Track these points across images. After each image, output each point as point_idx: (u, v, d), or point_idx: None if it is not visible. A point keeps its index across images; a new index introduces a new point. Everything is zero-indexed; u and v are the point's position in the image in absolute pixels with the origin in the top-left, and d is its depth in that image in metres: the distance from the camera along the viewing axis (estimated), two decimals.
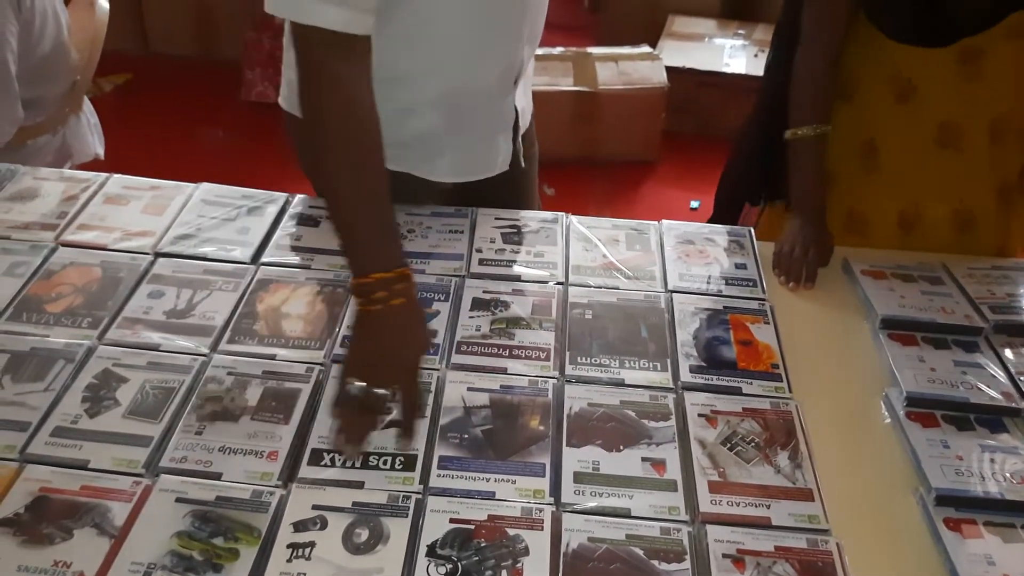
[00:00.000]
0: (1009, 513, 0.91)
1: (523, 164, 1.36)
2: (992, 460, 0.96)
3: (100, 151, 2.07)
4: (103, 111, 2.15)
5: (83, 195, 1.33)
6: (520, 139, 1.33)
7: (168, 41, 3.67)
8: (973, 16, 1.23)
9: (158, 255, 1.21)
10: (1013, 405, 1.03)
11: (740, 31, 3.34)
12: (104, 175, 1.38)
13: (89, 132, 2.03)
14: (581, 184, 2.91)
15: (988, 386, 1.05)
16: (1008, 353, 1.11)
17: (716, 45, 3.27)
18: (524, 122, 1.34)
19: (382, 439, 0.95)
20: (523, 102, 1.32)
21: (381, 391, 0.93)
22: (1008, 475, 0.94)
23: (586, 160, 3.00)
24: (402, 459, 0.93)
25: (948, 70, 1.26)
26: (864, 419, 1.04)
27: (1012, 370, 1.08)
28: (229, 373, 1.03)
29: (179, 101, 3.41)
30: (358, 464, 0.92)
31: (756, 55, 3.14)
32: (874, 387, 1.08)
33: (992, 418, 1.02)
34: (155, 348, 1.06)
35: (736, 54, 3.20)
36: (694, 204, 2.78)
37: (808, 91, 1.32)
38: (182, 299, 1.14)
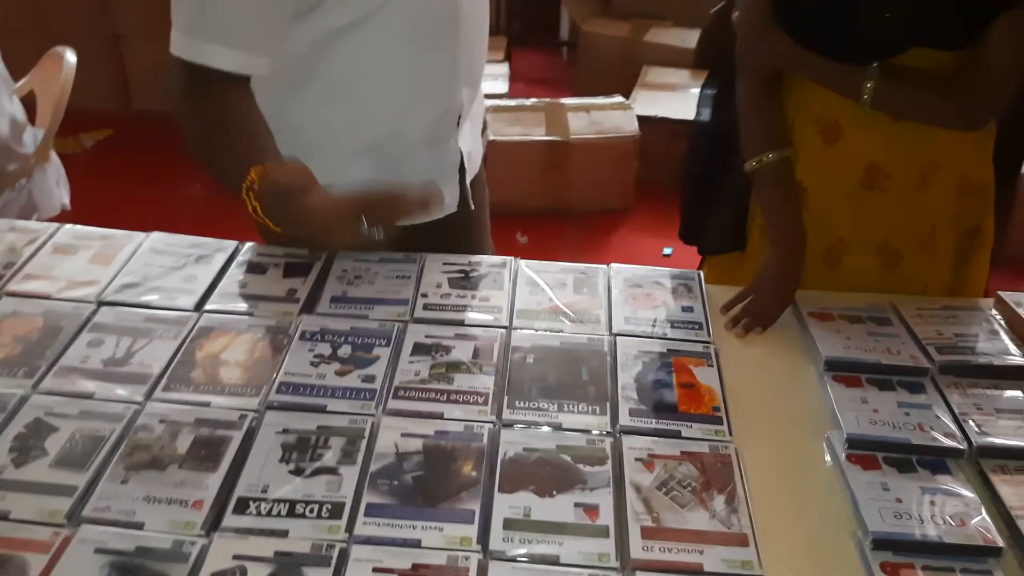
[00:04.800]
0: (947, 557, 0.89)
1: (472, 207, 1.36)
2: (932, 503, 0.95)
3: (66, 202, 2.08)
4: (81, 167, 2.17)
5: (31, 245, 1.32)
6: (468, 183, 1.34)
7: (150, 98, 3.71)
8: (874, 42, 1.23)
9: (101, 304, 1.21)
10: (956, 446, 1.01)
11: None
12: (55, 225, 1.38)
13: (55, 186, 2.04)
14: (553, 233, 2.93)
15: (932, 427, 1.04)
16: (953, 394, 1.10)
17: (690, 95, 3.31)
18: (472, 165, 1.35)
19: (310, 487, 0.93)
20: (469, 145, 1.32)
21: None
22: (948, 518, 0.93)
23: (559, 209, 3.02)
24: (329, 507, 0.91)
25: (876, 111, 1.26)
26: (805, 462, 1.03)
27: (956, 411, 1.07)
28: (161, 421, 1.01)
29: (158, 156, 3.42)
30: (284, 512, 0.91)
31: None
32: (817, 429, 1.07)
33: (934, 460, 1.01)
34: (89, 397, 1.05)
35: None
36: (667, 251, 2.78)
37: (760, 118, 1.33)
38: (121, 347, 1.13)
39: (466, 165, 1.31)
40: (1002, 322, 1.24)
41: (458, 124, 1.25)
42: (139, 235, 1.36)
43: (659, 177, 3.14)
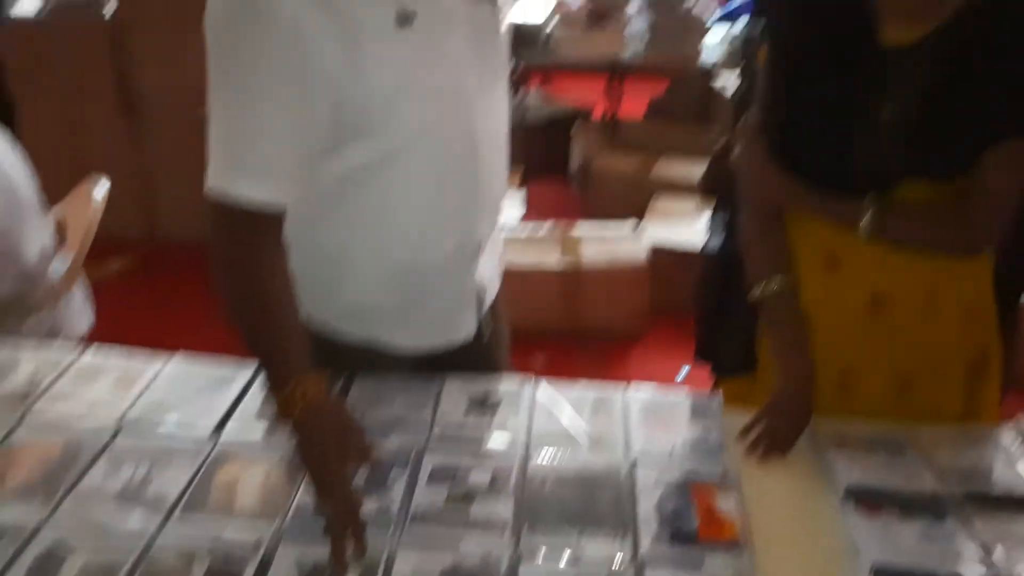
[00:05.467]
0: None
1: (485, 338, 1.38)
2: None
3: (88, 326, 2.12)
4: (107, 291, 2.22)
5: (56, 368, 1.35)
6: (486, 311, 1.36)
7: (177, 226, 3.82)
8: (872, 175, 1.27)
9: (120, 429, 1.21)
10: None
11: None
12: (79, 347, 1.41)
13: (80, 309, 2.08)
14: (568, 359, 2.94)
15: (957, 558, 1.02)
16: (976, 523, 1.08)
17: (698, 223, 3.38)
18: (490, 295, 1.38)
19: None
20: (488, 275, 1.36)
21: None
22: None
23: (573, 336, 3.04)
24: None
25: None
26: None
27: (981, 540, 1.05)
28: (175, 549, 1.00)
29: (183, 283, 3.50)
30: None
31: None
32: (839, 558, 1.04)
33: None
34: (104, 525, 1.04)
35: None
36: (680, 377, 2.78)
37: (763, 247, 1.36)
38: (138, 474, 1.13)
39: (484, 296, 1.34)
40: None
41: (476, 255, 1.28)
42: (161, 358, 1.38)
43: (671, 303, 3.17)
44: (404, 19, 1.07)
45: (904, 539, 1.04)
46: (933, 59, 1.24)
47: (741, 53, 1.44)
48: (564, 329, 3.02)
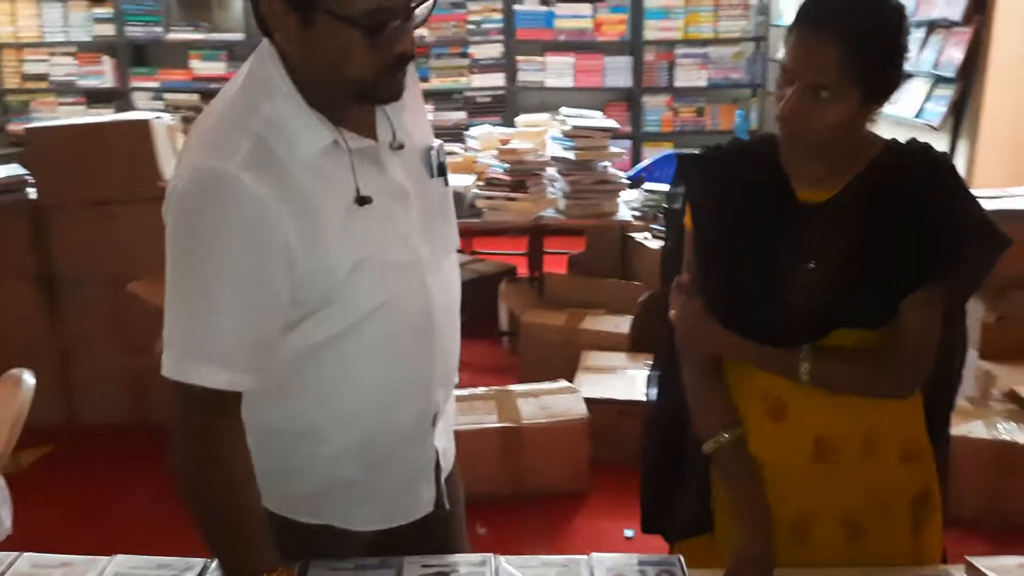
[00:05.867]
0: None
1: (447, 506, 1.36)
2: None
3: (8, 526, 1.99)
4: (22, 486, 2.10)
5: None
6: (443, 481, 1.35)
7: (96, 411, 3.68)
8: (804, 326, 1.35)
9: None
10: None
11: (649, 361, 3.54)
12: (13, 554, 1.32)
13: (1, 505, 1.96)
14: (513, 520, 2.88)
15: None
16: None
17: (629, 376, 3.45)
18: (446, 463, 1.37)
19: None
20: (443, 443, 1.35)
21: None
22: None
23: (516, 496, 3.00)
24: None
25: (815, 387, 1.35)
26: None
27: None
28: None
29: (104, 470, 3.35)
30: None
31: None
32: None
33: None
34: None
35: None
36: (628, 533, 2.75)
37: (709, 401, 1.40)
38: None
39: (441, 463, 1.33)
40: None
41: (433, 424, 1.29)
42: (101, 560, 1.31)
43: (611, 457, 3.18)
44: (360, 196, 1.12)
45: None
46: (846, 215, 1.34)
47: (665, 216, 1.53)
48: (506, 490, 2.98)
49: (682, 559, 1.32)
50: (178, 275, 1.08)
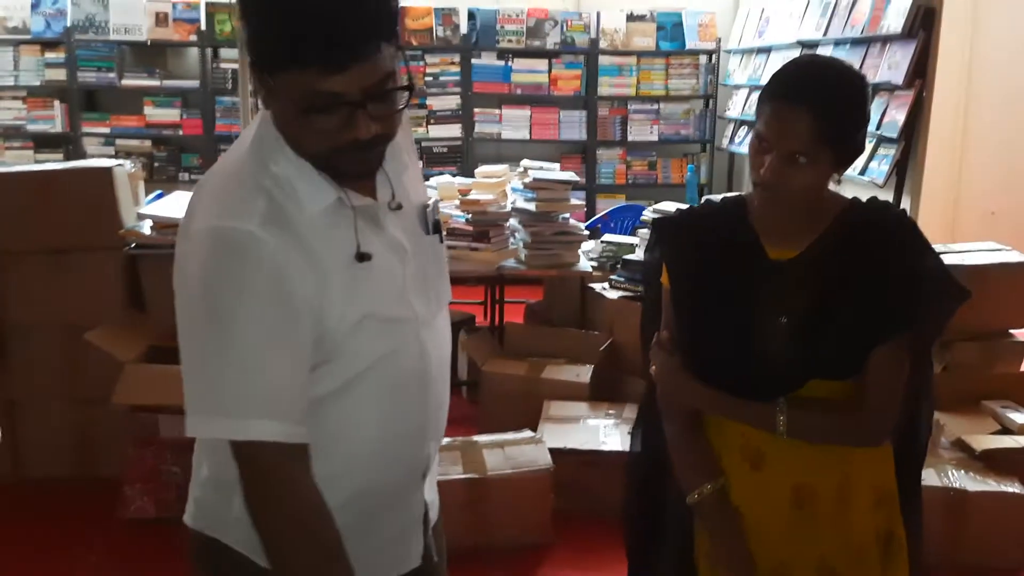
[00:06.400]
0: None
1: (435, 558, 1.37)
2: None
3: None
4: None
5: None
6: (431, 532, 1.35)
7: (43, 465, 3.56)
8: (778, 379, 1.40)
9: None
10: None
11: (611, 411, 3.59)
12: None
13: None
14: (479, 574, 2.86)
15: None
16: None
17: (591, 426, 3.47)
18: (433, 515, 1.38)
19: None
20: (431, 495, 1.37)
21: None
22: None
23: (481, 548, 2.98)
24: None
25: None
26: None
27: None
28: None
29: (50, 525, 3.24)
30: None
31: (629, 432, 3.34)
32: None
33: None
34: None
35: (611, 432, 3.40)
36: None
37: (690, 453, 1.44)
38: None
39: (430, 515, 1.33)
40: None
41: (426, 474, 1.30)
42: None
43: (574, 508, 3.19)
44: (361, 254, 1.14)
45: None
46: (814, 270, 1.41)
47: (643, 276, 1.60)
48: (470, 541, 2.96)
49: None
50: (208, 336, 1.07)
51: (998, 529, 2.86)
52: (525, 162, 4.18)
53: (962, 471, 2.96)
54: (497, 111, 6.34)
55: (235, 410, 1.06)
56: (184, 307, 1.09)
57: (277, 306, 1.07)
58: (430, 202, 1.30)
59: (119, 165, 3.41)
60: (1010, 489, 2.86)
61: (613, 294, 4.00)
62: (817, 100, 1.31)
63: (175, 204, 3.55)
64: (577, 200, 4.07)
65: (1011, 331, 3.52)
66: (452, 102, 6.32)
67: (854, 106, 1.36)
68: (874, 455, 1.45)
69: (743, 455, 1.43)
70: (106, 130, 6.23)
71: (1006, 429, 3.20)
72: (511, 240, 3.99)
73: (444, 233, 1.32)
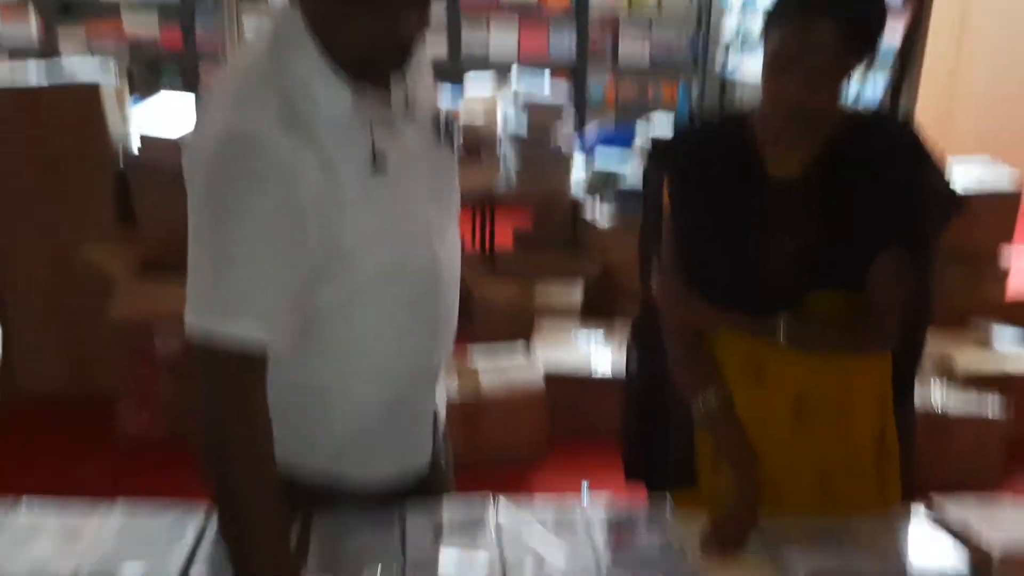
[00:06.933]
0: None
1: (443, 464, 1.40)
2: None
3: None
4: None
5: None
6: (440, 437, 1.39)
7: (38, 381, 3.56)
8: (779, 293, 1.42)
9: None
10: None
11: (601, 329, 3.63)
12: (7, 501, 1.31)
13: None
14: (475, 486, 2.92)
15: None
16: None
17: (583, 344, 3.52)
18: (440, 422, 1.41)
19: None
20: (440, 400, 1.39)
21: None
22: None
23: (475, 463, 3.04)
24: None
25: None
26: None
27: None
28: None
29: (46, 440, 3.26)
30: None
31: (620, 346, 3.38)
32: None
33: None
34: None
35: (602, 352, 3.44)
36: (585, 484, 2.84)
37: (693, 365, 1.47)
38: None
39: (439, 418, 1.36)
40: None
41: (436, 380, 1.32)
42: (101, 505, 1.30)
43: (567, 427, 3.25)
44: (377, 161, 1.13)
45: None
46: (816, 186, 1.42)
47: (643, 195, 1.60)
48: (465, 458, 3.02)
49: (671, 506, 1.39)
50: (211, 233, 1.07)
51: (977, 449, 2.96)
52: (515, 75, 4.11)
53: (944, 392, 3.04)
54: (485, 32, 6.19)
55: (220, 306, 1.06)
56: (191, 205, 1.09)
57: (282, 207, 1.06)
58: (443, 111, 1.28)
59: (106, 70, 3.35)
60: (988, 415, 2.94)
61: (604, 220, 3.99)
62: (841, 12, 1.30)
63: (162, 112, 3.48)
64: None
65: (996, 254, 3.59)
66: (438, 10, 6.14)
67: (873, 11, 1.36)
68: (874, 363, 1.49)
69: (745, 371, 1.46)
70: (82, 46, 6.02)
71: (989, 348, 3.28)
72: (502, 162, 3.96)
73: (460, 143, 1.30)
